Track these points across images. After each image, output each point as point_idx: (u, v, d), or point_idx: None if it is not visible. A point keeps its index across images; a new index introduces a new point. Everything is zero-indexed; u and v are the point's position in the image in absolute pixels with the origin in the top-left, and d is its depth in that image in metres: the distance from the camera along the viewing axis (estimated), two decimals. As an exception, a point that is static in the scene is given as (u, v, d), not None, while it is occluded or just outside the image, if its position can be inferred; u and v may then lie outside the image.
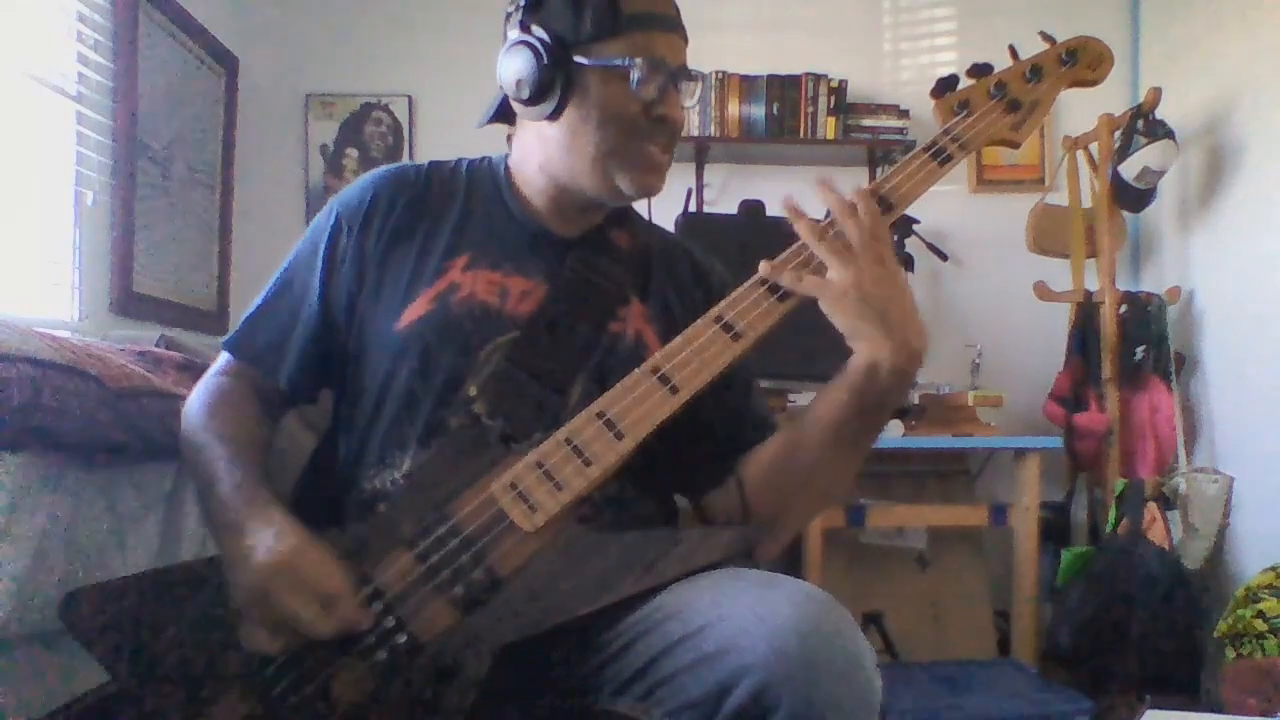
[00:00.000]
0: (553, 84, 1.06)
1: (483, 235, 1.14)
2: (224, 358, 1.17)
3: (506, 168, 1.19)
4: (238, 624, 0.94)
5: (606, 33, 1.05)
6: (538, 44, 1.06)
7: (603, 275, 1.14)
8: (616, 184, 1.09)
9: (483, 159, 1.22)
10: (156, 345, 1.75)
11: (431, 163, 1.20)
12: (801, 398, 2.61)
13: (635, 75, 1.05)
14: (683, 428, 1.01)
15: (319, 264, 1.13)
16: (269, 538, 0.94)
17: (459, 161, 1.22)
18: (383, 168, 1.20)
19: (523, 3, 1.09)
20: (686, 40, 1.12)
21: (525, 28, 1.07)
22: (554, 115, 1.08)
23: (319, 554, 0.94)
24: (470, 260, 1.11)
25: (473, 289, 1.09)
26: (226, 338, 1.17)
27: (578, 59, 1.06)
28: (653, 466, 1.08)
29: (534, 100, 1.07)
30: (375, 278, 1.11)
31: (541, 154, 1.13)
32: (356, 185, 1.18)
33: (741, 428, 1.14)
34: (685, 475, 1.15)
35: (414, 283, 1.10)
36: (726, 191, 3.19)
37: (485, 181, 1.19)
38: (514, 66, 1.08)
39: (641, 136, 1.08)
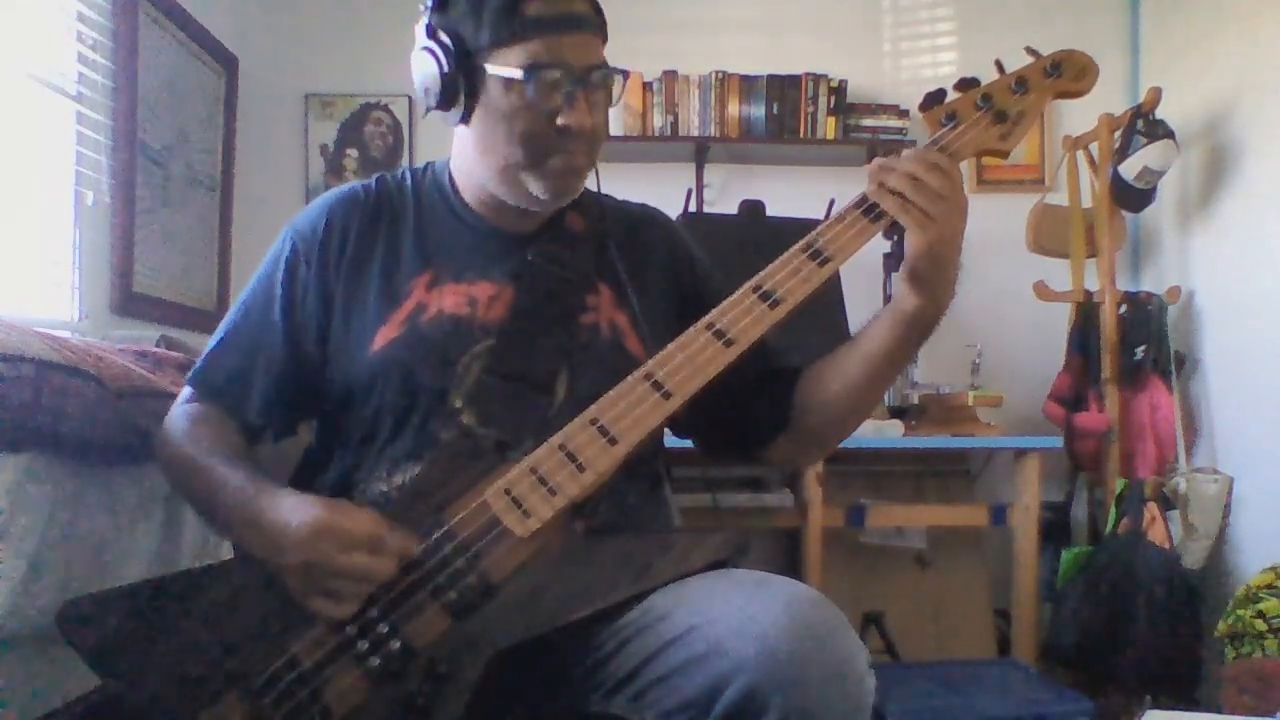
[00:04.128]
0: (456, 91, 1.05)
1: (441, 248, 1.13)
2: (188, 390, 1.16)
3: (449, 172, 1.18)
4: (237, 631, 0.94)
5: (506, 39, 1.02)
6: (440, 51, 1.04)
7: (565, 267, 1.14)
8: (531, 191, 1.09)
9: (427, 166, 1.22)
10: (156, 345, 1.75)
11: (378, 178, 1.20)
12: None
13: (532, 88, 1.02)
14: (734, 394, 1.07)
15: (278, 296, 1.13)
16: (290, 514, 0.94)
17: (404, 172, 1.21)
18: (332, 191, 1.19)
19: (430, 3, 1.07)
20: (604, 37, 1.09)
21: (431, 31, 1.06)
22: (465, 119, 1.08)
23: (342, 508, 0.95)
24: (433, 277, 1.11)
25: (440, 305, 1.09)
26: (190, 372, 1.17)
27: (480, 65, 1.04)
28: (654, 457, 1.13)
29: (441, 106, 1.07)
30: (343, 306, 1.11)
31: (465, 157, 1.13)
32: (309, 213, 1.17)
33: (784, 377, 1.18)
34: (751, 430, 1.20)
35: (381, 307, 1.10)
36: (726, 191, 3.19)
37: (431, 190, 1.18)
38: (420, 72, 1.07)
39: (549, 149, 1.06)
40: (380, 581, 0.93)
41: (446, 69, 1.04)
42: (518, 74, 1.02)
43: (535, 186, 1.08)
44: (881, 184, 1.01)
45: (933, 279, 1.02)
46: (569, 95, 1.04)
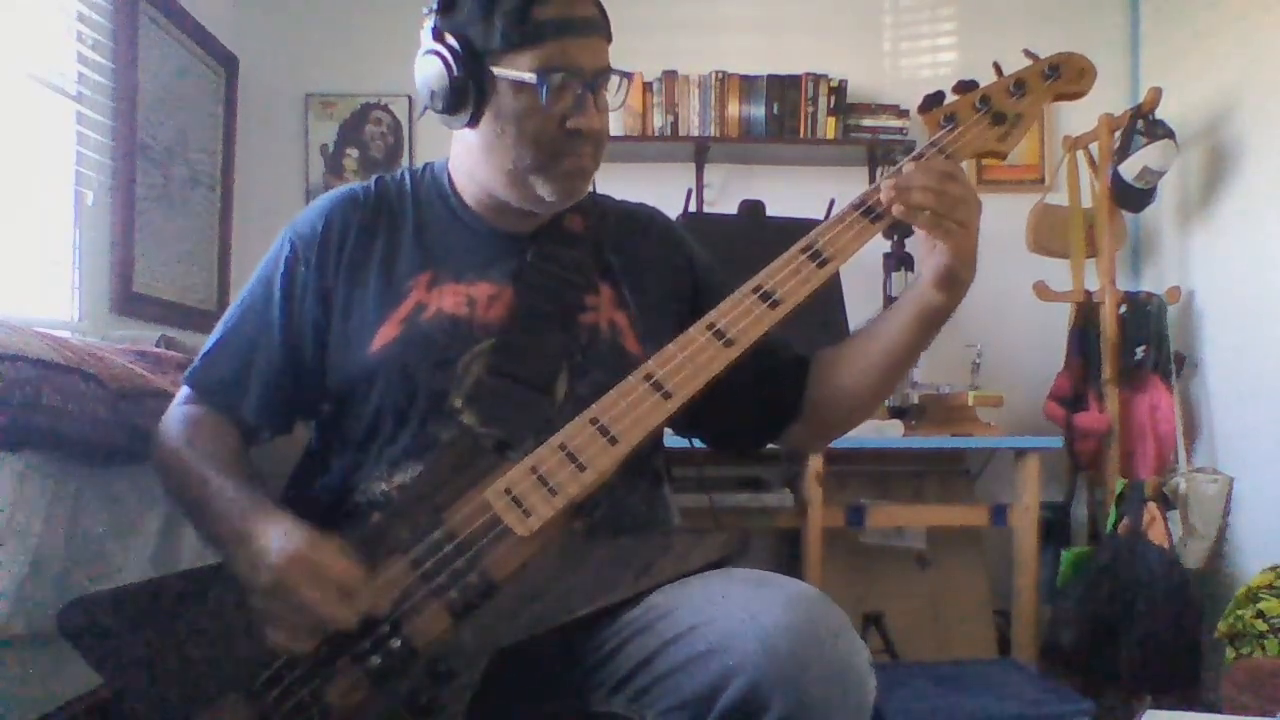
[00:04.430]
0: (466, 94, 1.05)
1: (440, 249, 1.13)
2: (185, 390, 1.16)
3: (449, 173, 1.18)
4: (238, 631, 0.94)
5: (517, 43, 1.02)
6: (448, 54, 1.04)
7: (565, 267, 1.14)
8: (538, 193, 1.09)
9: (425, 166, 1.22)
10: (156, 345, 1.75)
11: (376, 179, 1.20)
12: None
13: (545, 91, 1.03)
14: (742, 389, 1.09)
15: (277, 296, 1.13)
16: (278, 537, 0.94)
17: (402, 173, 1.21)
18: (331, 193, 1.19)
19: (436, 5, 1.07)
20: (609, 39, 1.10)
21: (438, 34, 1.06)
22: (472, 123, 1.08)
23: (330, 546, 0.94)
24: (433, 278, 1.11)
25: (439, 305, 1.09)
26: (187, 372, 1.17)
27: (490, 68, 1.04)
28: (654, 457, 1.14)
29: (449, 110, 1.07)
30: (342, 307, 1.11)
31: (468, 160, 1.13)
32: (308, 213, 1.17)
33: (794, 367, 1.20)
34: (763, 421, 1.21)
35: (380, 308, 1.10)
36: (726, 191, 3.19)
37: (431, 191, 1.18)
38: (426, 76, 1.07)
39: (558, 151, 1.06)
40: (335, 627, 0.92)
41: (456, 72, 1.04)
42: (530, 77, 1.03)
43: (544, 189, 1.08)
44: (908, 205, 1.01)
45: (965, 278, 1.05)
46: (580, 98, 1.05)
